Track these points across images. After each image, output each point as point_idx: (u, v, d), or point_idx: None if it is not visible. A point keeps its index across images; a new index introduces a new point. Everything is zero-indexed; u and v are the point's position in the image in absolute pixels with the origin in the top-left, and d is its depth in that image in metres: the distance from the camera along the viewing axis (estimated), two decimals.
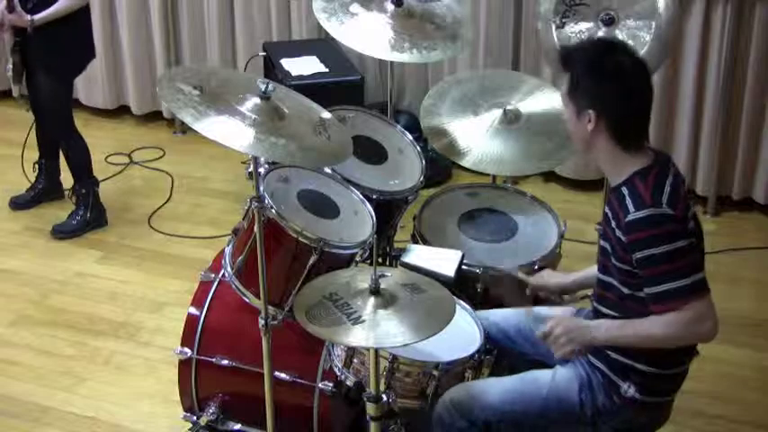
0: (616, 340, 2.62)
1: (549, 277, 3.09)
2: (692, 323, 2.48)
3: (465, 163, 3.54)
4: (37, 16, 4.33)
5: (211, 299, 3.26)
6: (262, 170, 2.98)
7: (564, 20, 3.66)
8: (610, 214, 2.60)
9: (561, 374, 2.76)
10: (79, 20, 4.49)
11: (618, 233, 2.55)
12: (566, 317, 2.72)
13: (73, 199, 4.79)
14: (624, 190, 2.55)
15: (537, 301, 3.27)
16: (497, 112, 3.56)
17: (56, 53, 4.45)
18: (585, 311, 2.85)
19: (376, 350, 2.57)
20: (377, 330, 2.47)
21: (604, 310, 2.69)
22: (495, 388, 2.77)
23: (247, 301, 3.03)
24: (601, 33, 3.58)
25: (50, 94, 4.56)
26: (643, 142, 2.61)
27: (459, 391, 2.77)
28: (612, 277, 2.64)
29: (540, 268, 3.24)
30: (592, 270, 2.93)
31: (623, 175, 2.58)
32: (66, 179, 4.89)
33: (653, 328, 2.52)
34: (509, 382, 2.80)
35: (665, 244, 2.47)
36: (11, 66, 4.48)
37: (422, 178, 3.48)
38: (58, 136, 4.75)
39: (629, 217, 2.50)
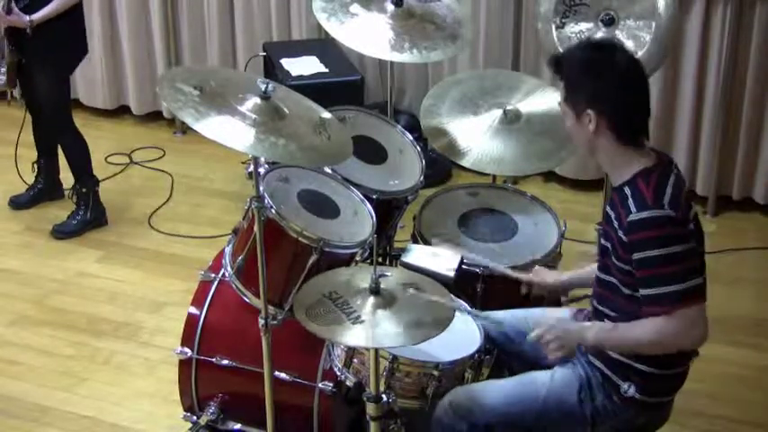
0: (604, 344, 2.64)
1: (541, 274, 3.08)
2: (679, 331, 2.49)
3: (465, 163, 3.53)
4: (36, 16, 4.32)
5: (211, 299, 3.26)
6: (262, 170, 2.98)
7: (564, 20, 3.66)
8: (612, 214, 2.60)
9: (560, 375, 2.76)
10: (73, 15, 4.48)
11: (620, 233, 2.55)
12: (555, 322, 2.70)
13: (73, 198, 4.79)
14: (627, 190, 2.56)
15: (534, 302, 3.27)
16: (497, 112, 3.56)
17: (54, 50, 4.44)
18: (585, 312, 2.86)
19: (376, 350, 2.57)
20: (377, 330, 2.47)
21: (604, 309, 2.69)
22: (495, 390, 2.77)
23: (247, 300, 3.03)
24: (601, 33, 3.59)
25: (50, 92, 4.56)
26: (644, 138, 2.62)
27: (459, 395, 2.77)
28: (613, 277, 2.64)
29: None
30: (585, 270, 2.95)
31: (626, 175, 2.58)
32: (67, 179, 4.89)
33: (639, 333, 2.54)
34: (508, 385, 2.80)
35: (663, 247, 2.47)
36: (5, 69, 4.47)
37: (422, 178, 3.48)
38: (57, 134, 4.74)
39: (631, 217, 2.50)
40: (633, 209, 2.51)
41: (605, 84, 2.57)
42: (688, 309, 2.48)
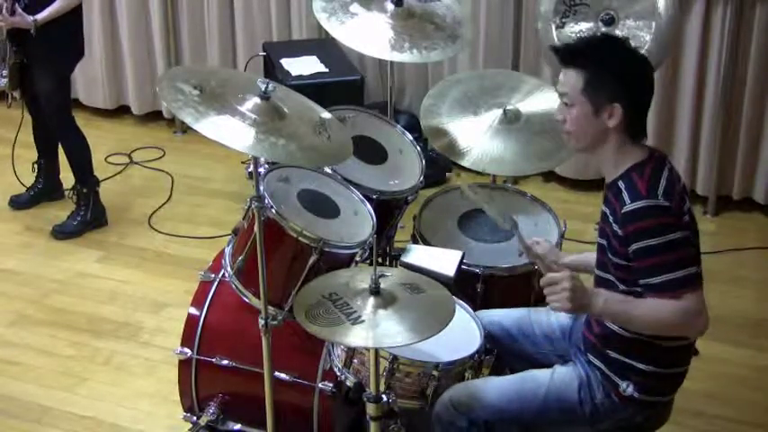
0: (611, 315, 2.58)
1: (546, 250, 3.04)
2: (684, 315, 2.48)
3: (465, 163, 3.53)
4: (40, 16, 4.33)
5: (211, 299, 3.26)
6: (262, 170, 2.98)
7: (564, 20, 3.66)
8: (607, 211, 2.61)
9: (560, 373, 2.76)
10: (75, 15, 4.49)
11: (615, 227, 2.55)
12: (577, 276, 2.59)
13: (74, 199, 4.79)
14: (621, 184, 2.57)
15: (539, 300, 3.27)
16: (497, 112, 3.56)
17: (57, 50, 4.45)
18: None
19: (376, 350, 2.58)
20: (377, 330, 2.47)
21: None
22: (495, 387, 2.78)
23: (247, 301, 3.03)
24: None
25: (51, 92, 4.56)
26: (643, 136, 2.65)
27: (460, 391, 2.78)
28: (609, 273, 2.64)
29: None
30: (587, 256, 2.94)
31: (620, 170, 2.60)
32: (67, 178, 4.89)
33: (650, 310, 2.51)
34: (509, 382, 2.80)
35: (661, 235, 2.48)
36: (6, 71, 4.47)
37: (422, 178, 3.48)
38: (59, 134, 4.75)
39: (626, 208, 2.51)
40: (627, 200, 2.52)
41: (631, 80, 2.59)
42: (689, 295, 2.47)
